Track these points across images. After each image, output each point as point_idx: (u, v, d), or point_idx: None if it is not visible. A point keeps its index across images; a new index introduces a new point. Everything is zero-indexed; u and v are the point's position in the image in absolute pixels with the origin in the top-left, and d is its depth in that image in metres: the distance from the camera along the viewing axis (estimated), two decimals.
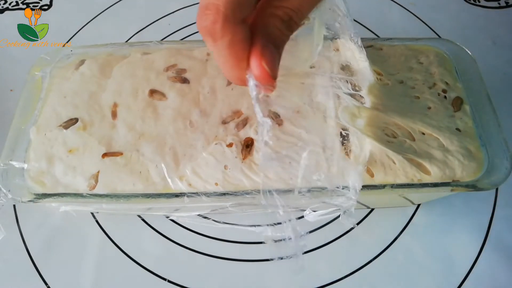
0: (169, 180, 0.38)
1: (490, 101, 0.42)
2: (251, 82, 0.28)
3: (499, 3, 0.70)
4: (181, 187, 0.37)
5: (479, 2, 0.70)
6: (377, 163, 0.38)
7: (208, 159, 0.38)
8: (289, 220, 0.33)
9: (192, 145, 0.39)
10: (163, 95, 0.42)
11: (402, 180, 0.37)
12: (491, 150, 0.39)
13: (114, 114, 0.42)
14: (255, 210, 0.46)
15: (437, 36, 0.65)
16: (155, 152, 0.39)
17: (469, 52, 0.46)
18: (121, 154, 0.39)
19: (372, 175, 0.38)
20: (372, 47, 0.47)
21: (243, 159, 0.38)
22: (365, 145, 0.38)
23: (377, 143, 0.37)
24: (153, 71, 0.44)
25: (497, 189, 0.51)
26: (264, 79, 0.27)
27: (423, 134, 0.40)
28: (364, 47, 0.45)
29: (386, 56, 0.46)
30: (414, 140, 0.39)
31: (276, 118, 0.39)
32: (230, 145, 0.39)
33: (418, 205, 0.49)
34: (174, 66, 0.45)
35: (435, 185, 0.37)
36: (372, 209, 0.49)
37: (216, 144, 0.39)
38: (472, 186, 0.37)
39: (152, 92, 0.43)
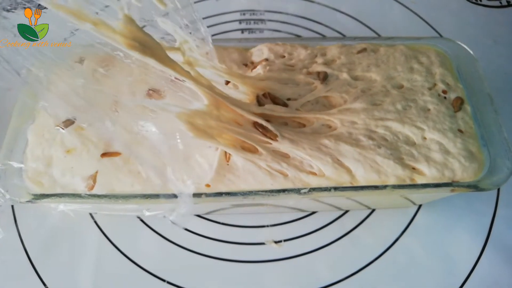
0: (168, 180, 0.37)
1: (492, 100, 0.42)
2: None
3: (500, 2, 0.70)
4: (179, 187, 0.37)
5: (481, 1, 0.70)
6: (354, 163, 0.38)
7: (201, 161, 0.38)
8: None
9: (189, 145, 0.39)
10: (161, 94, 0.42)
11: (392, 180, 0.37)
12: (493, 150, 0.39)
13: (112, 114, 0.41)
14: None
15: (438, 35, 0.64)
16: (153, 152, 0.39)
17: (470, 51, 0.46)
18: (120, 154, 0.39)
19: (349, 170, 0.38)
20: (366, 50, 0.47)
21: (227, 161, 0.38)
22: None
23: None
24: (152, 71, 0.44)
25: (498, 190, 0.50)
26: None
27: (425, 138, 0.40)
28: (358, 52, 0.45)
29: (385, 57, 0.46)
30: (414, 144, 0.39)
31: None
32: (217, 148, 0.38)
33: (420, 206, 0.49)
34: None
35: (436, 185, 0.37)
36: (373, 210, 0.49)
37: (208, 146, 0.39)
38: (473, 187, 0.37)
39: (151, 91, 0.42)
